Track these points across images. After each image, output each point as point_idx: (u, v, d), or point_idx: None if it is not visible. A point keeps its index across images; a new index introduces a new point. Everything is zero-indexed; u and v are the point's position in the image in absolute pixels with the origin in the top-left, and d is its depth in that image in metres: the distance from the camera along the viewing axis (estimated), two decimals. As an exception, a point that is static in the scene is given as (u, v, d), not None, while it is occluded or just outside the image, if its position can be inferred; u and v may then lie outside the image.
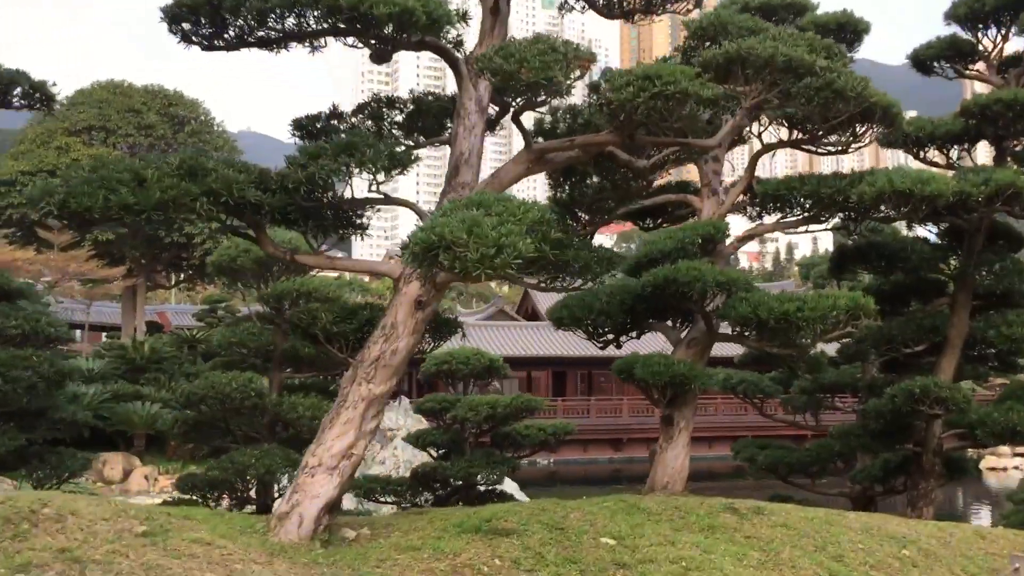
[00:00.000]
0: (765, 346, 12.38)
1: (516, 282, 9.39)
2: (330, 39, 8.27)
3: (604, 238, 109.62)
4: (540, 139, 9.89)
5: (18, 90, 12.52)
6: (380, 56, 8.00)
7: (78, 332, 54.99)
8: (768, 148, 13.40)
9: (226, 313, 42.84)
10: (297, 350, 13.61)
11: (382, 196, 8.29)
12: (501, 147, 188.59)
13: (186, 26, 8.07)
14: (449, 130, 9.22)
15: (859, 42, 14.35)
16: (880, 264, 14.96)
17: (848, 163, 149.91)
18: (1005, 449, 42.99)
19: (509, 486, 28.50)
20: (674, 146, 9.69)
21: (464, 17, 8.48)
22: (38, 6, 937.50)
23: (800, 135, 12.96)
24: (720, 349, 15.06)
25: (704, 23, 11.97)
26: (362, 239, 9.15)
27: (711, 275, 11.62)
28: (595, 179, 11.04)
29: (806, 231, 13.44)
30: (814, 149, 13.10)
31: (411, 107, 9.25)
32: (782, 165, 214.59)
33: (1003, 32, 15.19)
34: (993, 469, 45.12)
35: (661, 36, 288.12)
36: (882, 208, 12.34)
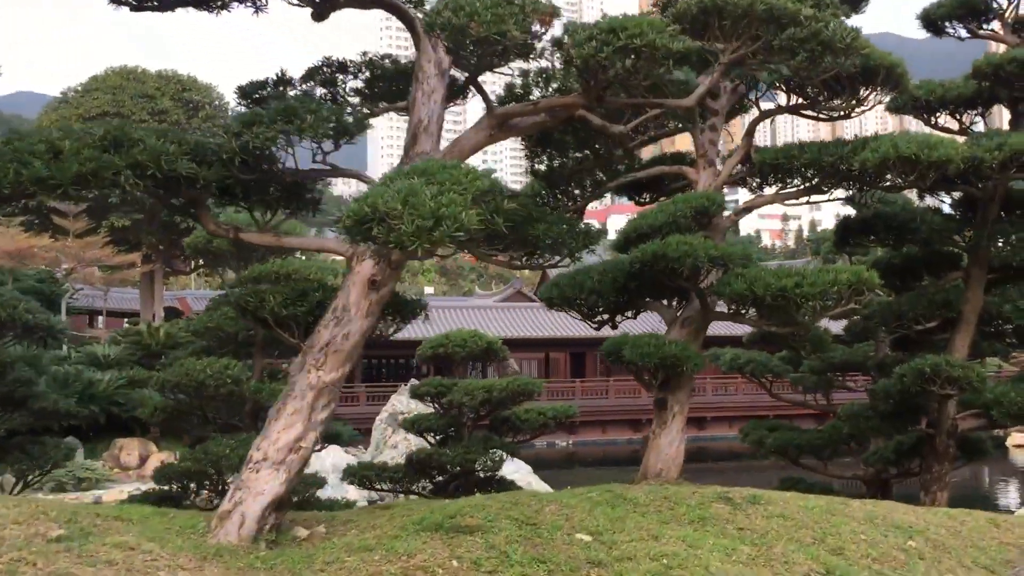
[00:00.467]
0: (763, 325, 11.67)
1: (484, 258, 8.75)
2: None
3: (621, 217, 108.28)
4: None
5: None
6: (321, 14, 7.35)
7: (100, 319, 55.07)
8: (766, 115, 12.65)
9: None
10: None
11: (329, 167, 7.66)
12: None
13: (115, -17, 7.45)
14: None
15: (865, 1, 13.48)
16: (888, 236, 14.13)
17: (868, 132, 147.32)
18: (1032, 426, 41.94)
19: (522, 468, 28.08)
20: (648, 107, 8.96)
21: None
22: (38, 6, 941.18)
23: (801, 100, 12.23)
24: (729, 328, 14.36)
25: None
26: (314, 215, 8.52)
27: (703, 250, 10.92)
28: (575, 149, 10.31)
29: (807, 202, 12.67)
30: (815, 115, 12.33)
31: (366, 72, 8.59)
32: (805, 135, 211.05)
33: (1019, -12, 14.29)
34: (1020, 447, 44.05)
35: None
36: (888, 176, 11.57)
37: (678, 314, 12.49)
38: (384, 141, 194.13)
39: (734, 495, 10.35)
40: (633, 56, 6.78)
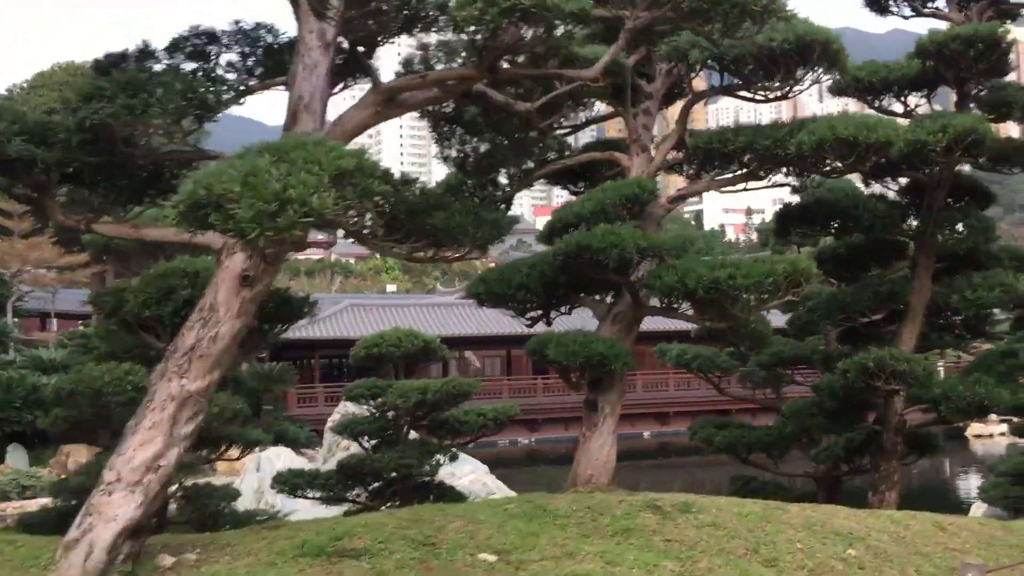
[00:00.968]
0: (697, 320, 10.97)
1: (378, 250, 7.94)
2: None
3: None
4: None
5: None
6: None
7: (53, 321, 53.52)
8: (699, 96, 11.95)
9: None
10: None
11: (191, 149, 6.82)
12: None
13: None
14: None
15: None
16: (829, 224, 13.44)
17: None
18: (992, 416, 41.68)
19: (479, 468, 27.24)
20: (546, 79, 8.18)
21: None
22: (38, 6, 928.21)
23: (736, 80, 11.55)
24: (676, 323, 13.63)
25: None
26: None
27: (631, 240, 10.18)
28: (489, 132, 9.52)
29: (744, 189, 11.97)
30: (751, 96, 11.64)
31: (243, 43, 7.74)
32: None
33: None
34: (979, 436, 43.92)
35: None
36: (827, 160, 10.90)
37: (610, 310, 11.77)
38: (395, 130, 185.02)
39: (664, 503, 9.63)
40: (522, 18, 6.02)
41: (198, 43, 7.57)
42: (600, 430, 11.13)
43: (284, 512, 22.17)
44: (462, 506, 8.86)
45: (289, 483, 15.79)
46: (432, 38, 8.23)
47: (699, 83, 13.30)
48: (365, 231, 7.30)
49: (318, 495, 15.99)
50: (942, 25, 13.42)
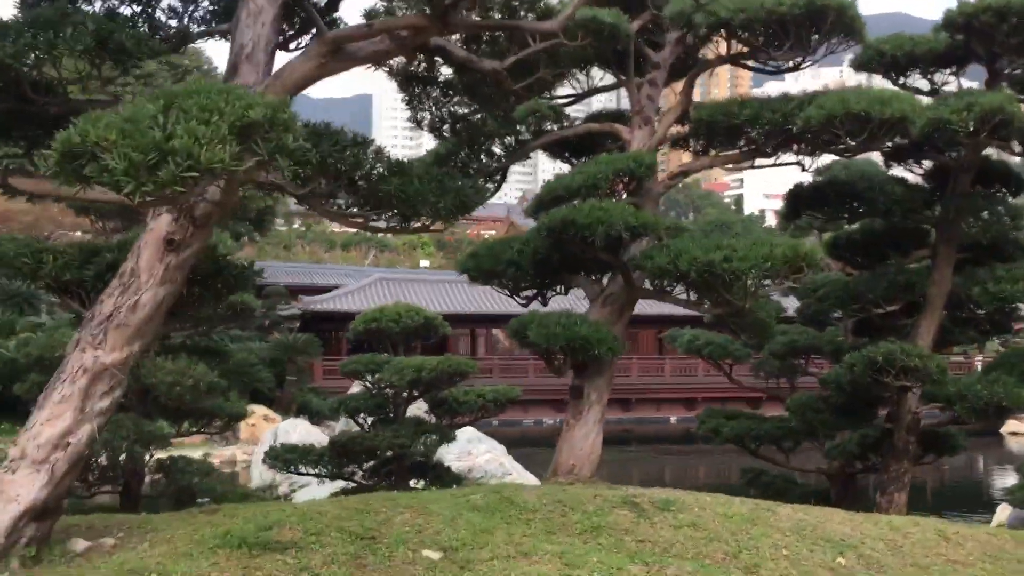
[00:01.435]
0: (692, 305, 10.25)
1: (329, 217, 7.33)
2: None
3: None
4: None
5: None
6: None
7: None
8: (705, 66, 11.17)
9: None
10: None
11: (112, 98, 6.25)
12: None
13: None
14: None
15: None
16: (842, 207, 12.60)
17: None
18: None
19: (496, 448, 26.65)
20: (503, 29, 7.48)
21: None
22: None
23: (743, 49, 10.78)
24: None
25: None
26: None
27: (619, 217, 9.47)
28: (464, 95, 8.85)
29: (751, 167, 11.21)
30: (762, 66, 10.87)
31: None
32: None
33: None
34: (1015, 434, 42.51)
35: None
36: (839, 137, 10.10)
37: (603, 291, 11.09)
38: (391, 103, 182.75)
39: (642, 499, 8.97)
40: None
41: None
42: (585, 418, 10.47)
43: (296, 485, 21.82)
44: (415, 495, 8.28)
45: (281, 458, 15.43)
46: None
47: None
48: (314, 197, 6.73)
49: (311, 472, 15.63)
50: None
